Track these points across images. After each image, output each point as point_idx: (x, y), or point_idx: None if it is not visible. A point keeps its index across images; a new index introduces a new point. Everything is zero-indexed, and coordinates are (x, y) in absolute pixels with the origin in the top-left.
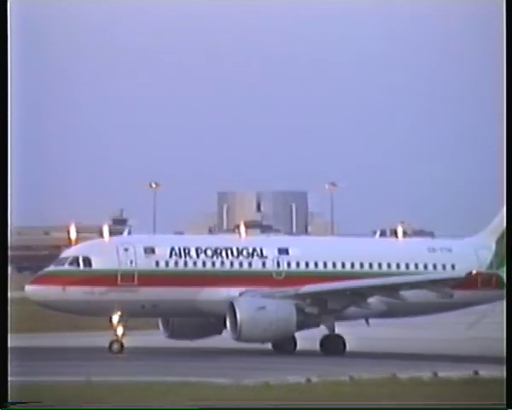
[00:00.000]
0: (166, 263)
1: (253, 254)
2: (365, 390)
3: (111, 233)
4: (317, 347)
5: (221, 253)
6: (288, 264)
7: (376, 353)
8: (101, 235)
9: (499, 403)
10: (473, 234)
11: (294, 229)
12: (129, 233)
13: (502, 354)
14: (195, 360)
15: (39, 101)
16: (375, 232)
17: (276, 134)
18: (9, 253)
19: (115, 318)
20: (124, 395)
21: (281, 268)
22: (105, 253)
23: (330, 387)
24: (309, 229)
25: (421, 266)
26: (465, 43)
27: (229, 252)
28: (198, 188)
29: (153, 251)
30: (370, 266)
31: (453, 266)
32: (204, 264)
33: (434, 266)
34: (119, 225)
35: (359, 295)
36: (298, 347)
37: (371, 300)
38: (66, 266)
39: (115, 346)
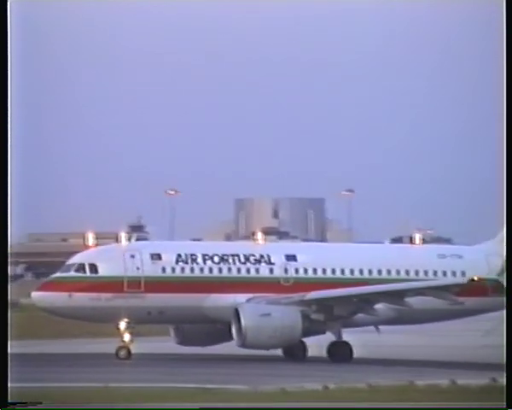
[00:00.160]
0: (173, 269)
1: (260, 261)
2: (383, 397)
3: (129, 240)
4: (324, 353)
5: (228, 259)
6: (296, 270)
7: (387, 360)
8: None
9: (499, 404)
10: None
11: (312, 236)
12: (137, 240)
13: None
14: (209, 366)
15: (40, 101)
16: (392, 239)
17: (293, 141)
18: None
19: (122, 324)
20: (139, 401)
21: (288, 275)
22: (111, 259)
23: (347, 394)
24: (326, 236)
25: (430, 273)
26: (465, 43)
27: (236, 258)
28: (215, 195)
29: (159, 257)
30: (379, 272)
31: (463, 273)
32: (211, 270)
33: (444, 273)
34: (136, 231)
35: (365, 301)
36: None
37: (379, 306)
38: (73, 273)
39: (122, 352)
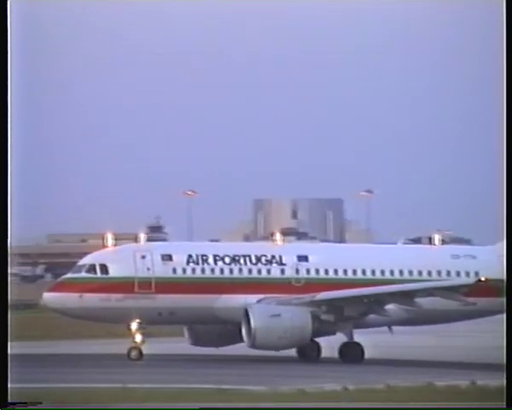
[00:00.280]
0: (184, 270)
1: (271, 262)
2: (402, 398)
3: (148, 240)
4: (336, 354)
5: (239, 260)
6: (308, 271)
7: (402, 361)
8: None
9: (499, 404)
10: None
11: (330, 236)
12: (149, 241)
13: None
14: (225, 367)
15: (40, 101)
16: (411, 240)
17: (311, 141)
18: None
19: (134, 325)
20: (156, 401)
21: (300, 275)
22: (122, 260)
23: (367, 395)
24: (345, 236)
25: (443, 274)
26: (465, 43)
27: (247, 259)
28: (234, 195)
29: (170, 258)
30: (391, 273)
31: (477, 274)
32: (222, 271)
33: (458, 274)
34: (155, 232)
35: (375, 302)
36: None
37: (391, 307)
38: (83, 274)
39: (134, 353)
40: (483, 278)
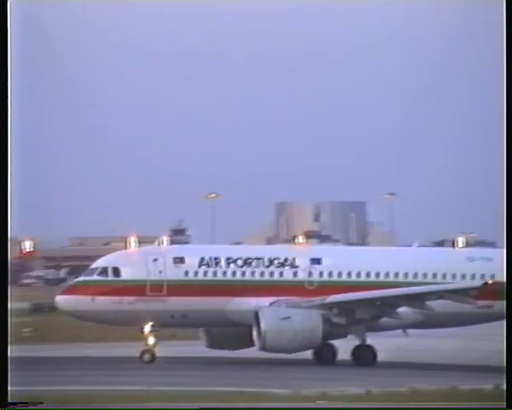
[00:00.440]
0: (195, 273)
1: (284, 264)
2: (426, 402)
3: (171, 243)
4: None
5: (252, 263)
6: (321, 274)
7: (425, 364)
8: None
9: (499, 404)
10: None
11: (353, 239)
12: (172, 243)
13: None
14: (246, 369)
15: (41, 101)
16: (435, 243)
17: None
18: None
19: (147, 328)
20: (180, 404)
21: (313, 278)
22: (134, 263)
23: (390, 398)
24: (368, 239)
25: (458, 276)
26: (465, 43)
27: (259, 262)
28: (256, 198)
29: (182, 261)
30: (405, 275)
31: (493, 276)
32: (234, 274)
33: (473, 276)
34: (178, 235)
35: (387, 305)
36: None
37: (405, 310)
38: (96, 277)
39: (146, 356)
40: (490, 281)
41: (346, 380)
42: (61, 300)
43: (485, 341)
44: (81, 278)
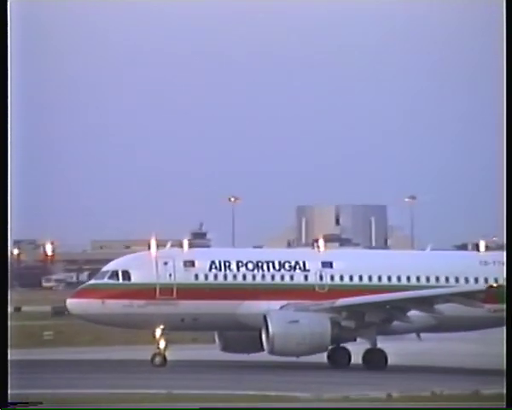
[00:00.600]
0: (206, 276)
1: (295, 268)
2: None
3: (191, 246)
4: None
5: (262, 266)
6: (332, 277)
7: (447, 368)
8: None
9: (499, 404)
10: None
11: (374, 242)
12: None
13: None
14: (267, 373)
15: (41, 101)
16: (456, 246)
17: (354, 147)
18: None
19: (158, 331)
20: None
21: (324, 282)
22: (144, 266)
23: (411, 402)
24: (388, 242)
25: (471, 280)
26: (465, 43)
27: (270, 265)
28: (277, 202)
29: (192, 264)
30: (417, 279)
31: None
32: (244, 277)
33: (486, 280)
34: (198, 238)
35: (397, 308)
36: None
37: (418, 314)
38: (106, 280)
39: (157, 359)
40: (494, 284)
41: (366, 384)
42: (72, 303)
43: (498, 345)
44: (92, 282)
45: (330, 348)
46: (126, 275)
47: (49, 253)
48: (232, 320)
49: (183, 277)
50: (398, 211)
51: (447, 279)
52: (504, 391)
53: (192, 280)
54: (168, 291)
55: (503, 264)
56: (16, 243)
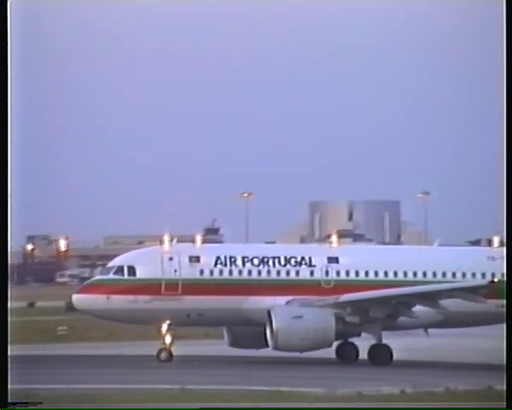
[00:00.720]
0: (211, 272)
1: (301, 263)
2: (462, 402)
3: (204, 242)
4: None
5: (268, 262)
6: (338, 273)
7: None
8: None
9: (499, 404)
10: None
11: (387, 238)
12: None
13: None
14: (278, 369)
15: (41, 101)
16: (470, 242)
17: (367, 143)
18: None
19: (164, 326)
20: (213, 402)
21: (329, 277)
22: (150, 262)
23: (424, 398)
24: (402, 238)
25: (478, 276)
26: (465, 43)
27: (276, 261)
28: (290, 197)
29: (198, 260)
30: (424, 274)
31: None
32: (250, 273)
33: (493, 276)
34: (211, 234)
35: (401, 303)
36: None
37: (424, 309)
38: (111, 275)
39: (163, 354)
40: (496, 279)
41: (378, 380)
42: (78, 298)
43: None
44: (97, 277)
45: (338, 343)
46: (132, 270)
47: (63, 248)
48: (238, 316)
49: (188, 272)
50: (411, 206)
51: (454, 275)
52: (504, 392)
53: (197, 275)
54: (173, 287)
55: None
56: (30, 239)
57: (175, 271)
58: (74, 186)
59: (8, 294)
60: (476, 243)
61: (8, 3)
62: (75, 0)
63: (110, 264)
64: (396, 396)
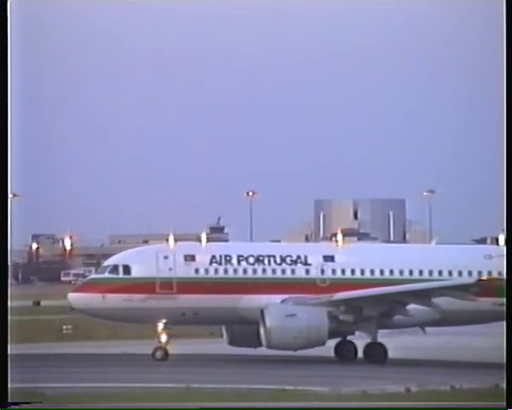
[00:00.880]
0: (206, 271)
1: (296, 262)
2: (467, 401)
3: (208, 241)
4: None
5: (263, 260)
6: (333, 271)
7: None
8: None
9: (499, 403)
10: None
11: (392, 237)
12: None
13: None
14: (284, 367)
15: (41, 101)
16: (476, 240)
17: (372, 141)
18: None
19: (160, 325)
20: (222, 401)
21: (325, 275)
22: (144, 260)
23: (430, 397)
24: (407, 236)
25: (474, 274)
26: (465, 43)
27: (271, 259)
28: (295, 196)
29: (193, 259)
30: (420, 273)
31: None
32: (245, 271)
33: (489, 274)
34: (216, 233)
35: (396, 302)
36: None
37: (420, 307)
38: (107, 274)
39: (158, 353)
40: (485, 277)
41: (382, 378)
42: (73, 297)
43: (502, 339)
44: (93, 276)
45: (337, 341)
46: (127, 269)
47: (68, 247)
48: (233, 314)
49: (183, 271)
50: (416, 205)
51: (450, 273)
52: (504, 391)
53: (192, 274)
54: (168, 285)
55: None
56: (35, 238)
57: (170, 269)
58: (79, 185)
59: (8, 292)
60: (482, 241)
61: (8, 3)
62: (75, 0)
63: (106, 263)
64: (401, 395)
